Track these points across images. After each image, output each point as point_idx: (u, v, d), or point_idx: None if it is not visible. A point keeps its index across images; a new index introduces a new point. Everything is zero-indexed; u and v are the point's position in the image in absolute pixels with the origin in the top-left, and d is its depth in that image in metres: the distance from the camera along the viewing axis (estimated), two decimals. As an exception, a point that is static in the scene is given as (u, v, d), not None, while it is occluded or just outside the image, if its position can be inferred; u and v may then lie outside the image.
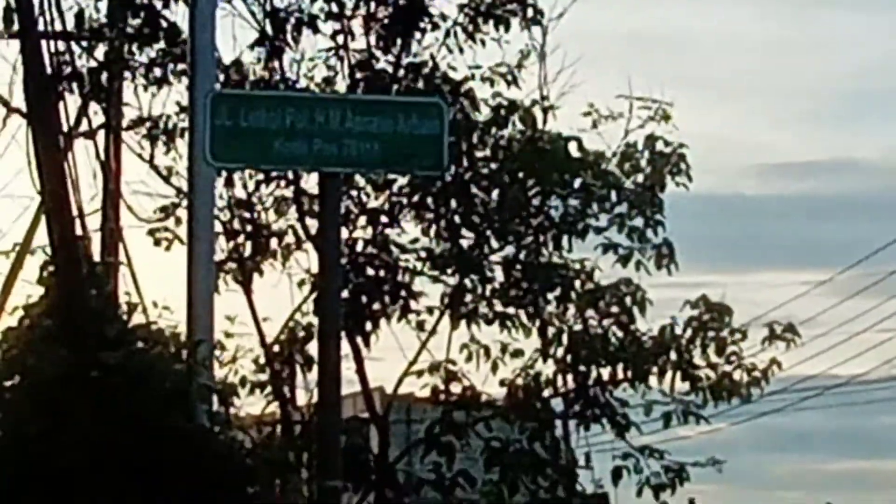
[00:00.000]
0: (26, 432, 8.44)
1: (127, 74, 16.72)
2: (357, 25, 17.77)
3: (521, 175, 18.33)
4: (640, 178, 18.44)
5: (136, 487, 8.50)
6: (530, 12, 17.98)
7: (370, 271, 18.39)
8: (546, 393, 18.96)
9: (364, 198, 17.93)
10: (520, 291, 18.64)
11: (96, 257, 12.74)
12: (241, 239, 18.15)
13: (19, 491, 8.29)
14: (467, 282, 18.51)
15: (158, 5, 17.58)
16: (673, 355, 18.26)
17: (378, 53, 17.97)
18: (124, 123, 17.79)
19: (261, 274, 18.59)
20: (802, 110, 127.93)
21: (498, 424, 19.22)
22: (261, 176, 17.86)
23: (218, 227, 15.74)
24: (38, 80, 11.56)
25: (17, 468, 8.39)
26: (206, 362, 10.47)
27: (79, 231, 11.51)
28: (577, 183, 18.16)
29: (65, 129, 13.12)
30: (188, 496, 8.77)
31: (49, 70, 13.05)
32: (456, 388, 18.93)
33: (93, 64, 16.59)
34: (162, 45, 17.34)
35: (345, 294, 15.09)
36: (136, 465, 8.57)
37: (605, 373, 18.83)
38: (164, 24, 17.13)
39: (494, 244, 18.23)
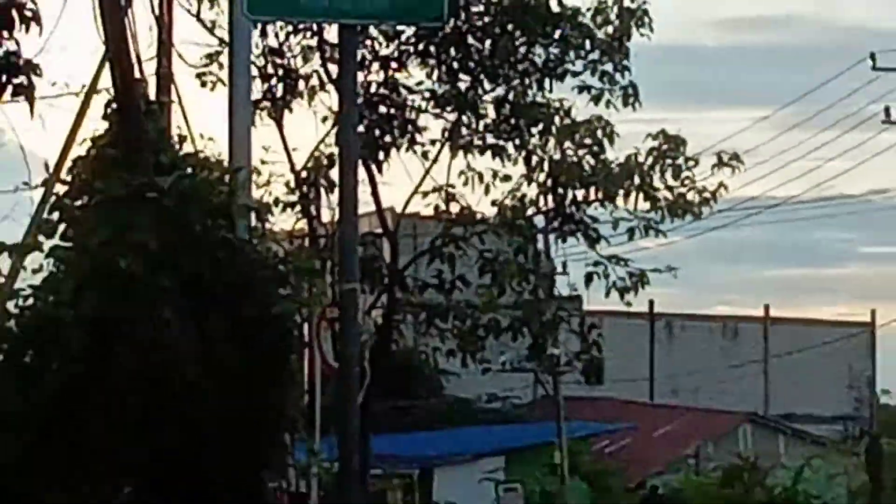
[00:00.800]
0: (92, 242, 8.48)
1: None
2: None
3: (509, 27, 18.45)
4: (609, 29, 18.59)
5: (189, 291, 8.59)
6: None
7: (382, 109, 18.57)
8: (530, 212, 19.55)
9: (377, 46, 18.04)
10: (508, 126, 18.80)
11: (152, 97, 12.70)
12: (273, 81, 18.35)
13: (85, 287, 8.37)
14: (464, 118, 18.78)
15: None
16: (636, 179, 18.79)
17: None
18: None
19: (290, 111, 18.90)
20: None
21: (489, 238, 19.69)
22: (290, 28, 18.01)
23: (254, 72, 15.84)
24: None
25: (83, 270, 8.63)
26: (244, 185, 10.52)
27: (137, 75, 11.47)
28: (557, 34, 18.27)
29: None
30: (230, 298, 8.85)
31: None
32: (454, 208, 19.41)
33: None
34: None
35: (361, 128, 15.11)
36: (187, 270, 8.61)
37: (580, 194, 19.39)
38: None
39: (487, 86, 18.43)
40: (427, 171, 19.06)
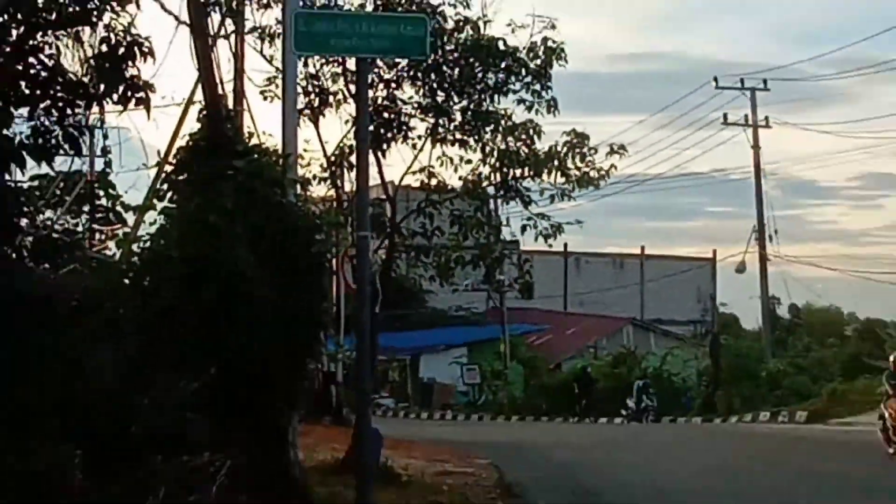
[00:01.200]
0: (190, 204, 8.72)
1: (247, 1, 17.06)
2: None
3: (471, 59, 18.19)
4: (538, 61, 18.11)
5: (256, 237, 8.69)
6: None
7: (385, 115, 18.39)
8: (485, 184, 19.31)
9: (382, 72, 17.84)
10: (470, 127, 18.49)
11: (230, 107, 12.80)
12: (312, 96, 18.16)
13: (185, 235, 8.59)
14: (440, 121, 18.49)
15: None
16: (556, 162, 18.51)
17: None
18: (246, 29, 18.21)
19: (323, 116, 18.71)
20: None
21: (458, 202, 19.38)
22: (323, 60, 17.83)
23: (299, 90, 15.60)
24: (197, 2, 11.66)
25: (183, 224, 8.61)
26: (292, 166, 10.75)
27: (220, 92, 11.52)
28: (503, 64, 17.97)
29: (211, 33, 13.07)
30: (283, 242, 9.00)
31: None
32: (434, 182, 19.27)
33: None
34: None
35: (371, 128, 15.16)
36: (254, 223, 8.76)
37: (518, 172, 19.15)
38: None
39: (456, 99, 18.16)
40: (415, 158, 19.07)
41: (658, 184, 60.49)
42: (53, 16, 9.75)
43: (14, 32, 9.49)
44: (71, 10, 9.83)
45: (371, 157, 15.92)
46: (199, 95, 12.39)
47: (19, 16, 9.57)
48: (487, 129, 18.84)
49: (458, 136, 19.19)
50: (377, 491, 10.12)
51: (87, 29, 10.49)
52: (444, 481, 15.17)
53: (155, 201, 10.22)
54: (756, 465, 19.19)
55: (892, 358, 17.86)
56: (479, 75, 19.03)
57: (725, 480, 16.41)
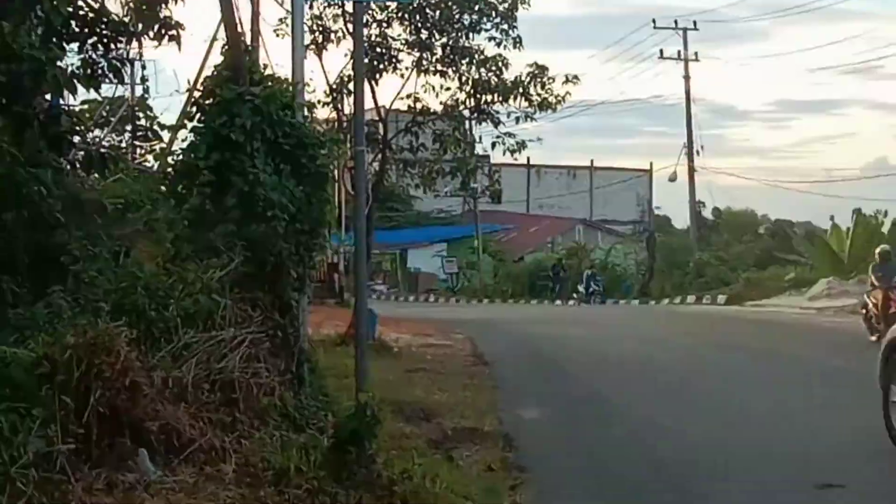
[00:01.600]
0: (215, 123, 8.47)
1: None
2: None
3: (449, 3, 17.86)
4: (506, 4, 17.94)
5: (271, 150, 8.47)
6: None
7: (378, 50, 18.09)
8: (461, 108, 18.96)
9: (375, 14, 17.38)
10: (449, 59, 18.37)
11: (248, 43, 12.55)
12: (317, 34, 17.69)
13: (211, 148, 8.38)
14: (424, 55, 18.27)
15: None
16: (521, 90, 18.23)
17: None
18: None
19: (327, 50, 18.24)
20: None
21: (439, 123, 19.16)
22: (326, 3, 17.48)
23: (305, 29, 15.23)
24: None
25: (209, 139, 8.37)
26: (300, 92, 10.32)
27: (239, 30, 11.18)
28: (476, 7, 17.72)
29: None
30: (293, 154, 8.79)
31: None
32: (419, 106, 19.00)
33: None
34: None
35: (365, 61, 14.78)
36: (269, 137, 8.65)
37: (489, 98, 18.88)
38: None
39: (437, 37, 17.92)
40: (403, 85, 18.91)
41: (605, 108, 60.65)
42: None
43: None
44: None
45: (366, 85, 15.69)
46: (221, 34, 12.21)
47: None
48: (463, 61, 18.67)
49: (438, 67, 19.06)
50: (372, 359, 10.07)
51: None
52: (427, 352, 15.31)
53: (186, 121, 10.07)
54: (684, 338, 19.25)
55: (877, 251, 16.71)
56: (457, 16, 18.77)
57: (659, 349, 16.54)
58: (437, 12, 18.58)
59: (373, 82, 18.47)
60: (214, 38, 13.92)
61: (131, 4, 9.94)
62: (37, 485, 4.71)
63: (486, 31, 18.95)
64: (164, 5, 10.01)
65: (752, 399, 10.45)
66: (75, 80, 8.98)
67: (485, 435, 8.04)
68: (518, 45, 18.84)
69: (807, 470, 6.96)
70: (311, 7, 17.88)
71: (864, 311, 16.57)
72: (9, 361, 5.48)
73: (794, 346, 16.30)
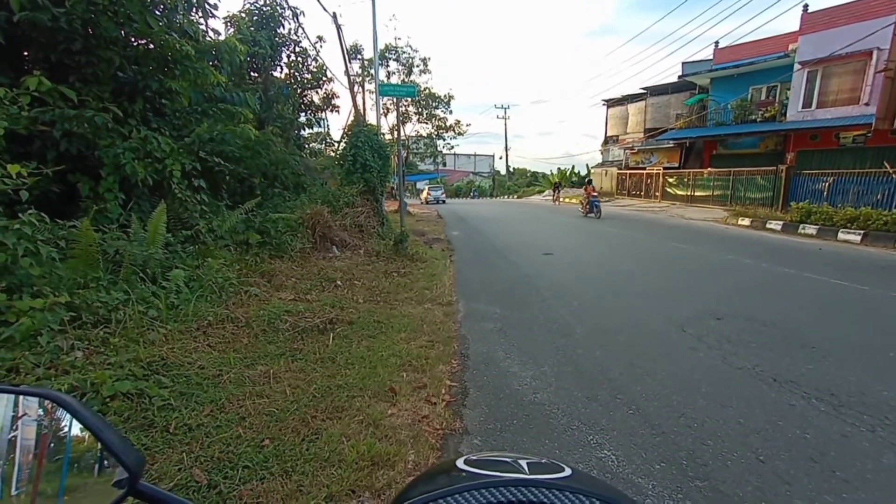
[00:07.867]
0: (349, 147, 10.62)
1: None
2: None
3: (428, 99, 26.55)
4: (447, 100, 26.63)
5: (373, 154, 10.79)
6: None
7: (404, 112, 25.03)
8: (433, 133, 29.89)
9: (402, 99, 20.85)
10: (427, 117, 29.92)
11: (362, 114, 15.01)
12: (382, 107, 20.76)
13: (343, 152, 10.27)
14: (420, 115, 27.25)
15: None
16: (453, 128, 29.55)
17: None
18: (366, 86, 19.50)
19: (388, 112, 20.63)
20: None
21: (426, 140, 28.07)
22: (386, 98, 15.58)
23: (381, 103, 17.71)
24: (350, 80, 13.63)
25: (344, 150, 10.27)
26: (379, 129, 12.33)
27: (360, 109, 13.44)
28: (436, 104, 26.83)
29: (354, 90, 15.31)
30: (380, 155, 11.58)
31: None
32: (420, 132, 26.35)
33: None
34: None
35: (399, 116, 15.05)
36: (371, 149, 11.19)
37: (443, 131, 32.82)
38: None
39: (423, 110, 26.34)
40: (413, 127, 26.61)
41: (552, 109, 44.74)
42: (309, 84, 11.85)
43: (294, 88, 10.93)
44: (309, 83, 12.32)
45: (400, 127, 19.53)
46: (350, 103, 13.56)
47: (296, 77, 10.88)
48: (433, 119, 28.66)
49: (423, 119, 29.80)
50: (405, 217, 12.81)
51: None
52: (422, 216, 19.70)
53: (344, 138, 12.65)
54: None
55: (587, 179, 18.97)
56: (432, 103, 30.06)
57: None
58: (423, 102, 26.84)
59: (401, 125, 22.64)
60: (350, 112, 15.17)
61: (321, 98, 13.42)
62: (300, 255, 7.18)
63: (441, 108, 27.82)
64: (332, 99, 13.28)
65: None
66: (304, 125, 12.55)
67: (442, 240, 11.21)
68: (450, 112, 27.77)
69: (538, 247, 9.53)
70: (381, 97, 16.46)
71: (578, 201, 20.53)
72: (288, 219, 7.64)
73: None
